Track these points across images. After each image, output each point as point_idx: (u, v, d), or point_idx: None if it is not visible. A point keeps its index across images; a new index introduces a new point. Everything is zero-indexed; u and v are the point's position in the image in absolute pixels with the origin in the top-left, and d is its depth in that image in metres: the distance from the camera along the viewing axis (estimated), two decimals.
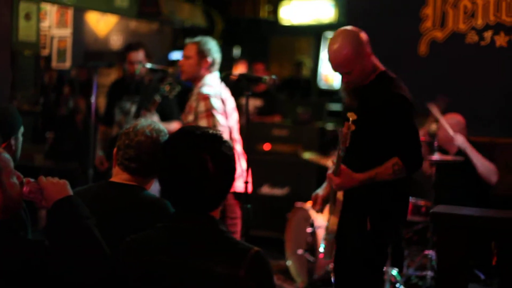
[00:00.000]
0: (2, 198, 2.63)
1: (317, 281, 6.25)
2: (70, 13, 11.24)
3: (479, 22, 6.91)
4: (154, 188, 3.18)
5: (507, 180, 6.23)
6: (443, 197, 6.04)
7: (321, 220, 6.18)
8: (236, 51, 12.91)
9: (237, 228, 5.07)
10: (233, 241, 2.51)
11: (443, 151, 6.17)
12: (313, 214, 6.27)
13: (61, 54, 11.35)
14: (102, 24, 12.41)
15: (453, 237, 4.07)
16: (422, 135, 5.37)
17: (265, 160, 8.15)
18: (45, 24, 10.81)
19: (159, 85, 5.87)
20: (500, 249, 4.08)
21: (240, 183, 4.62)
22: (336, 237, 4.12)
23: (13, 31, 8.66)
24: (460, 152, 6.22)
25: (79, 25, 11.92)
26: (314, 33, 12.91)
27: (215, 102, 5.07)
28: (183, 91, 5.86)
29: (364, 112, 3.96)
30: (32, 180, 2.77)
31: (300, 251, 6.37)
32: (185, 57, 5.33)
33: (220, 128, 4.91)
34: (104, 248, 2.62)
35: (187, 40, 5.43)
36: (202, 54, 5.26)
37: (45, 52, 10.84)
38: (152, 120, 3.25)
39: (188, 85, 5.59)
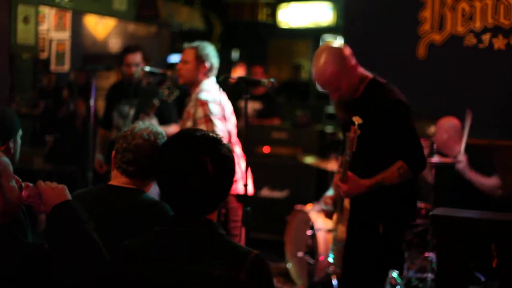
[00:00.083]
0: (1, 202, 2.62)
1: (317, 284, 6.25)
2: (68, 16, 11.23)
3: (477, 25, 6.93)
4: (154, 190, 3.18)
5: (507, 182, 6.22)
6: (443, 199, 6.04)
7: (320, 223, 6.19)
8: (235, 54, 12.91)
9: (239, 231, 5.07)
10: (232, 244, 2.51)
11: (442, 153, 6.18)
12: (313, 216, 6.27)
13: (60, 57, 11.34)
14: (100, 27, 12.41)
15: (453, 240, 4.07)
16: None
17: (265, 163, 8.14)
18: (43, 27, 10.79)
19: (158, 88, 5.87)
20: (500, 251, 4.08)
21: (242, 186, 4.63)
22: (345, 245, 4.13)
23: (11, 34, 8.67)
24: None
25: (77, 28, 11.92)
26: (312, 36, 12.92)
27: (213, 108, 5.08)
28: (181, 95, 5.86)
29: (363, 122, 3.98)
30: (30, 184, 2.77)
31: (300, 254, 6.37)
32: (183, 61, 5.34)
33: (218, 133, 4.91)
34: (102, 252, 2.62)
35: (186, 45, 5.43)
36: (200, 59, 5.27)
37: (43, 55, 10.83)
38: (150, 123, 3.25)
39: (186, 89, 5.59)
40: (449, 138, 6.26)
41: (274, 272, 6.68)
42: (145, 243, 2.55)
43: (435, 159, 5.89)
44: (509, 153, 6.66)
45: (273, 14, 12.88)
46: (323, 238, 6.20)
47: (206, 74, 5.29)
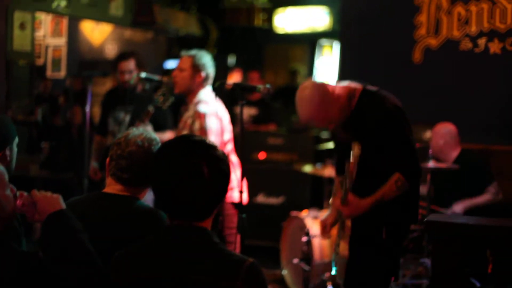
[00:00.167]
0: None
1: None
2: (64, 22, 11.25)
3: (473, 29, 6.94)
4: (148, 197, 3.17)
5: (504, 188, 6.23)
6: (439, 205, 6.05)
7: (316, 229, 6.18)
8: (231, 60, 12.91)
9: (235, 238, 5.07)
10: (227, 253, 2.50)
11: (437, 159, 6.18)
12: (308, 223, 6.27)
13: (56, 63, 11.35)
14: (96, 33, 12.42)
15: (448, 246, 4.07)
16: None
17: (260, 169, 8.14)
18: (40, 33, 10.81)
19: (153, 94, 5.86)
20: (496, 257, 4.08)
21: (237, 193, 4.63)
22: (349, 255, 4.13)
23: (7, 41, 8.68)
24: (456, 160, 6.22)
25: (74, 34, 11.92)
26: (309, 41, 12.92)
27: (210, 121, 5.09)
28: (177, 102, 5.85)
29: (361, 136, 3.99)
30: (25, 193, 2.77)
31: (295, 260, 6.35)
32: (179, 69, 5.34)
33: None
34: (96, 262, 2.62)
35: (183, 53, 5.43)
36: (196, 68, 5.27)
37: (40, 62, 10.84)
38: (144, 129, 3.23)
39: (182, 96, 5.59)
40: (445, 144, 6.27)
41: (269, 279, 6.69)
42: (139, 252, 2.54)
43: (431, 164, 5.89)
44: (506, 159, 6.66)
45: (269, 19, 12.88)
46: (319, 244, 6.19)
47: (202, 83, 5.29)
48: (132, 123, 5.98)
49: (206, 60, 5.34)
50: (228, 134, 5.25)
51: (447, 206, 6.00)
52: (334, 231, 4.38)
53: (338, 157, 4.46)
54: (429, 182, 5.91)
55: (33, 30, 9.27)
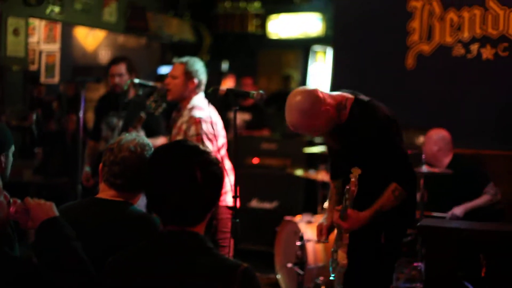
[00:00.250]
0: None
1: None
2: (58, 28, 11.23)
3: (466, 35, 6.96)
4: (141, 202, 3.18)
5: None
6: (436, 210, 6.06)
7: (310, 233, 6.19)
8: (224, 66, 12.92)
9: (228, 243, 5.07)
10: (221, 257, 2.50)
11: (430, 164, 6.20)
12: (302, 227, 6.28)
13: (50, 69, 11.33)
14: (90, 39, 12.42)
15: (441, 250, 4.09)
16: None
17: (254, 174, 8.15)
18: (33, 39, 10.79)
19: (146, 100, 5.87)
20: (489, 260, 4.11)
21: (231, 198, 4.63)
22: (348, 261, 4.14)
23: (1, 47, 8.67)
24: (449, 166, 6.24)
25: (67, 40, 11.92)
26: (302, 46, 12.94)
27: (206, 127, 5.10)
28: (169, 107, 5.86)
29: (354, 146, 4.00)
30: (18, 200, 2.77)
31: (289, 265, 6.36)
32: (172, 76, 5.35)
33: None
34: (89, 269, 2.63)
35: (175, 60, 5.45)
36: (189, 75, 5.28)
37: (33, 68, 10.82)
38: (137, 135, 3.23)
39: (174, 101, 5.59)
40: (439, 150, 6.29)
41: (264, 283, 6.70)
42: (133, 257, 2.54)
43: (424, 169, 5.91)
44: (498, 163, 6.68)
45: (262, 25, 12.91)
46: (313, 248, 6.21)
47: (195, 90, 5.31)
48: (124, 129, 5.98)
49: (198, 66, 5.36)
50: (222, 140, 5.27)
51: (445, 211, 6.02)
52: (332, 236, 4.38)
53: (332, 162, 4.47)
54: (422, 187, 5.93)
55: (27, 36, 9.26)
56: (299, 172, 7.56)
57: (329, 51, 11.63)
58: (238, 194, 4.19)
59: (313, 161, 8.10)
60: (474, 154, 6.68)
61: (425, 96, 7.16)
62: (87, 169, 6.65)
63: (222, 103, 5.84)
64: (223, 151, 5.27)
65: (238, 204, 4.14)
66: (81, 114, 6.49)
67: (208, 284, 2.40)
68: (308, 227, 6.29)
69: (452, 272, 4.06)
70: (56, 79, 11.32)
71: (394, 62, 7.38)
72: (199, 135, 5.06)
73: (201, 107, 5.23)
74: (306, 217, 6.51)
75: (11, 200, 2.75)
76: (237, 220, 4.16)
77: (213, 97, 5.11)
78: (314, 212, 7.07)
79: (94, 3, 10.20)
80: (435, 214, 6.05)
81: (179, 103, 5.39)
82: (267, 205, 8.15)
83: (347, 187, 3.92)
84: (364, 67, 7.57)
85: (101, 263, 2.60)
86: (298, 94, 4.02)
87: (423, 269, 5.75)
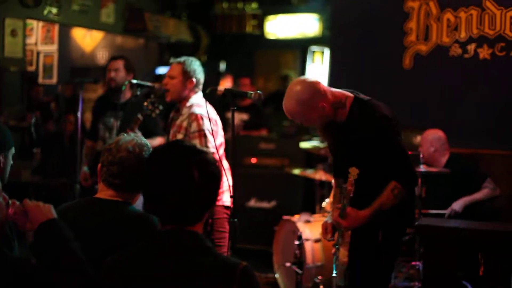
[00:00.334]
0: None
1: None
2: (56, 29, 11.25)
3: (463, 35, 6.97)
4: (139, 202, 3.19)
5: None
6: (430, 208, 6.07)
7: (308, 233, 6.20)
8: (222, 66, 12.93)
9: (225, 242, 5.08)
10: (220, 257, 2.51)
11: (427, 163, 6.21)
12: (300, 226, 6.29)
13: (48, 70, 11.36)
14: (88, 40, 12.43)
15: (440, 249, 4.10)
16: None
17: (252, 174, 8.16)
18: (31, 40, 10.81)
19: (144, 101, 5.87)
20: (487, 260, 4.12)
21: (228, 197, 4.63)
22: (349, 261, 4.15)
23: None
24: (447, 164, 6.26)
25: (65, 41, 11.93)
26: (299, 47, 12.94)
27: (207, 123, 5.10)
28: (167, 108, 5.86)
29: (354, 145, 4.01)
30: (17, 202, 2.78)
31: (288, 264, 6.37)
32: (170, 76, 5.35)
33: (210, 148, 4.94)
34: (87, 270, 2.63)
35: (172, 60, 5.45)
36: (187, 74, 5.28)
37: (31, 68, 10.84)
38: (135, 135, 3.22)
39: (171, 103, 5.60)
40: (436, 151, 6.31)
41: (262, 282, 6.70)
42: (132, 256, 2.55)
43: (422, 168, 5.92)
44: (494, 163, 6.70)
45: (260, 26, 12.91)
46: (311, 248, 6.22)
47: (193, 89, 5.31)
48: (122, 130, 5.99)
49: (196, 66, 5.35)
50: (220, 139, 5.27)
51: (444, 208, 6.04)
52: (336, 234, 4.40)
53: (334, 160, 4.47)
54: (420, 186, 5.94)
55: (25, 37, 9.27)
56: (297, 172, 7.56)
57: (327, 52, 11.64)
58: (233, 193, 4.19)
59: (311, 161, 8.10)
60: (471, 153, 6.69)
61: (422, 96, 7.17)
62: (85, 169, 6.66)
63: (220, 103, 5.87)
64: (221, 151, 5.27)
65: (231, 204, 4.14)
66: (79, 115, 6.49)
67: (208, 283, 2.41)
68: (306, 226, 6.30)
69: (450, 271, 4.07)
70: (54, 80, 11.34)
71: (391, 62, 7.39)
72: (201, 131, 5.06)
73: (200, 104, 5.24)
74: (304, 216, 6.52)
75: (10, 202, 2.75)
76: (235, 220, 4.17)
77: (211, 97, 5.11)
78: (312, 211, 7.08)
79: (91, 4, 10.21)
80: (434, 211, 6.06)
81: (177, 103, 5.39)
82: (265, 205, 8.16)
83: (344, 186, 3.94)
84: (361, 67, 7.58)
85: (100, 263, 2.60)
86: (300, 83, 4.04)
87: (421, 268, 5.76)
